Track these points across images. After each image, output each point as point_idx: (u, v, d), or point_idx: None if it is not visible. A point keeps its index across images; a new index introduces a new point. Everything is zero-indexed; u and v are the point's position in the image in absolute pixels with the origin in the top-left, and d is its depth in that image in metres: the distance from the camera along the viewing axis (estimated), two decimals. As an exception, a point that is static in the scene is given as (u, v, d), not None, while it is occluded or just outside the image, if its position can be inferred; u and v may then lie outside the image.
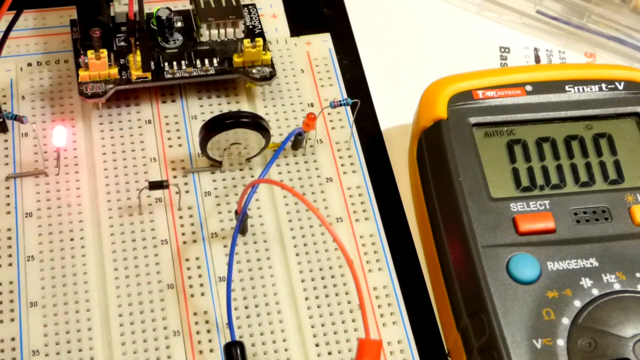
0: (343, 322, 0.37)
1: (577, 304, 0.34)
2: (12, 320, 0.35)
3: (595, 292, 0.34)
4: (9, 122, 0.40)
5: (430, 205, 0.38)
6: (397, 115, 0.43)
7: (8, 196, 0.38)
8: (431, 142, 0.38)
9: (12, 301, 0.36)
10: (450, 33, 0.47)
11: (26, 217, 0.38)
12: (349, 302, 0.37)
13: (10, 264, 0.37)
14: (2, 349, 0.35)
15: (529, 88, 0.39)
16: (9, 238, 0.37)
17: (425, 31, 0.47)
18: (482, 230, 0.35)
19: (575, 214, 0.36)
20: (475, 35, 0.47)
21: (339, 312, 0.37)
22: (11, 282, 0.36)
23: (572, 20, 0.46)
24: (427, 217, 0.38)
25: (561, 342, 0.33)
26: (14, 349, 0.35)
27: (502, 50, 0.46)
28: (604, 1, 0.45)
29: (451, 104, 0.39)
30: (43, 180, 0.39)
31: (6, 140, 0.40)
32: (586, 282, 0.35)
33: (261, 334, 0.36)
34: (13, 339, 0.35)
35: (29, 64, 0.42)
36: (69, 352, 0.35)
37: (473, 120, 0.38)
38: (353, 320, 0.37)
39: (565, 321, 0.34)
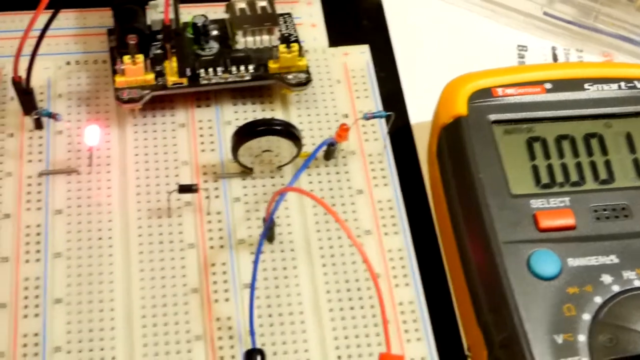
0: (367, 336, 0.36)
1: (598, 300, 0.34)
2: (37, 315, 0.36)
3: (616, 288, 0.34)
4: (44, 120, 0.40)
5: (450, 202, 0.38)
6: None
7: (39, 192, 0.39)
8: (451, 138, 0.38)
9: (37, 297, 0.36)
10: (466, 36, 0.46)
11: (56, 214, 0.38)
12: (373, 316, 0.37)
13: (38, 260, 0.37)
14: (25, 344, 0.35)
15: (548, 86, 0.39)
16: (38, 234, 0.38)
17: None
18: (503, 226, 0.35)
19: (595, 210, 0.36)
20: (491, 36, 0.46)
21: (363, 326, 0.36)
22: (38, 278, 0.36)
23: (585, 23, 0.46)
24: (447, 214, 0.38)
25: (582, 338, 0.33)
26: (36, 344, 0.35)
27: (520, 48, 0.46)
28: (613, 2, 0.45)
29: (471, 101, 0.39)
30: (75, 178, 0.39)
31: (41, 137, 0.40)
32: (606, 279, 0.34)
33: (283, 343, 0.36)
34: (36, 334, 0.35)
35: (68, 63, 0.42)
36: (90, 350, 0.35)
37: (493, 117, 0.38)
38: (377, 335, 0.36)
39: (586, 317, 0.34)
